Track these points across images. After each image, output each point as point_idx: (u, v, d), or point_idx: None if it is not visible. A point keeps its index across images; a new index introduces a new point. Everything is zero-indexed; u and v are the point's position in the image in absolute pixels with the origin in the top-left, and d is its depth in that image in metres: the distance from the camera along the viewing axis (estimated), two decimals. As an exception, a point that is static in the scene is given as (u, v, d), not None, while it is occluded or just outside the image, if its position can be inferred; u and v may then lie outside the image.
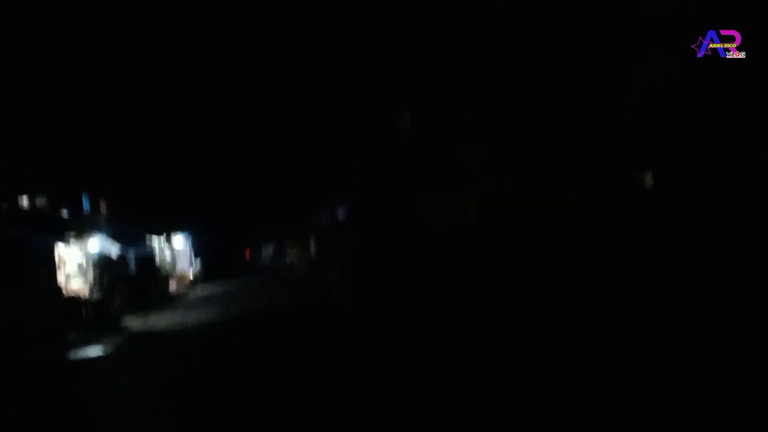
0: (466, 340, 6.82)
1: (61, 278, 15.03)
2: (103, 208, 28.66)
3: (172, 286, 29.25)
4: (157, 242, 29.50)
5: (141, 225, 27.53)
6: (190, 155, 35.72)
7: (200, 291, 28.63)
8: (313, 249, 30.98)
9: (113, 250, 17.20)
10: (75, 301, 15.03)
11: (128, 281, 20.30)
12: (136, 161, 30.78)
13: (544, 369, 5.52)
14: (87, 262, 16.77)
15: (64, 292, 14.72)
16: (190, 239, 34.46)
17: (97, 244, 16.72)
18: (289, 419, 6.07)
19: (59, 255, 15.21)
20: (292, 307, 15.92)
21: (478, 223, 7.91)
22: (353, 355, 8.70)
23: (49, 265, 13.90)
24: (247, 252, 56.36)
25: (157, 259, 29.42)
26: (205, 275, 32.41)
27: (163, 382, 8.69)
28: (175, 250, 33.26)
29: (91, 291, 16.13)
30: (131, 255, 25.11)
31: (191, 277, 31.61)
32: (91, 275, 16.60)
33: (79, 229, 16.58)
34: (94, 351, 12.18)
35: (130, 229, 25.33)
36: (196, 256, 33.95)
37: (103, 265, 16.74)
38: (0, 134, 20.92)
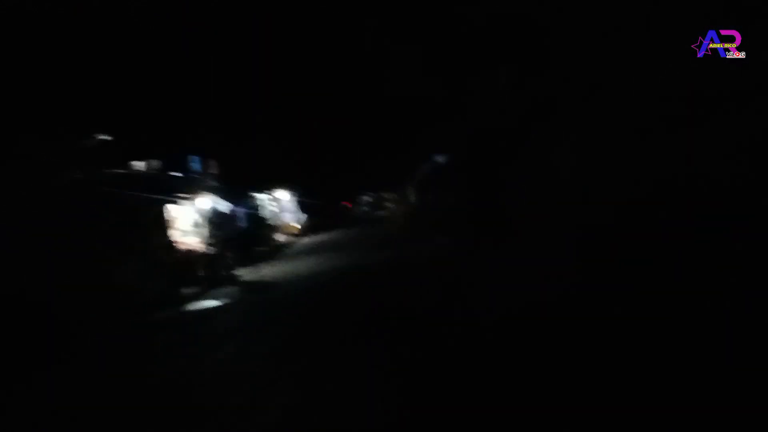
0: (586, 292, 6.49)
1: (175, 236, 16.01)
2: (213, 168, 30.23)
3: (280, 237, 30.51)
4: (264, 197, 30.69)
5: (248, 181, 28.73)
6: (292, 110, 36.68)
7: (306, 241, 29.65)
8: (413, 199, 31.10)
9: (223, 206, 18.08)
10: (191, 256, 16.00)
11: (238, 235, 21.35)
12: (240, 120, 31.96)
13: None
14: (200, 218, 17.74)
15: (179, 249, 15.68)
16: (295, 192, 35.64)
17: (207, 201, 17.62)
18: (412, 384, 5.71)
19: (173, 214, 16.18)
20: (396, 257, 16.11)
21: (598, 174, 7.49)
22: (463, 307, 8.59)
23: (164, 224, 14.82)
24: (348, 203, 57.61)
25: (265, 212, 30.72)
26: (309, 226, 33.47)
27: (277, 334, 9.08)
28: (281, 204, 34.57)
29: (205, 245, 17.08)
30: (240, 210, 26.39)
31: (297, 229, 32.74)
32: (203, 231, 17.58)
33: (191, 188, 17.50)
34: (211, 303, 12.99)
35: (238, 186, 26.48)
36: (300, 208, 35.10)
37: (214, 220, 17.67)
38: (114, 105, 22.33)
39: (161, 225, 14.75)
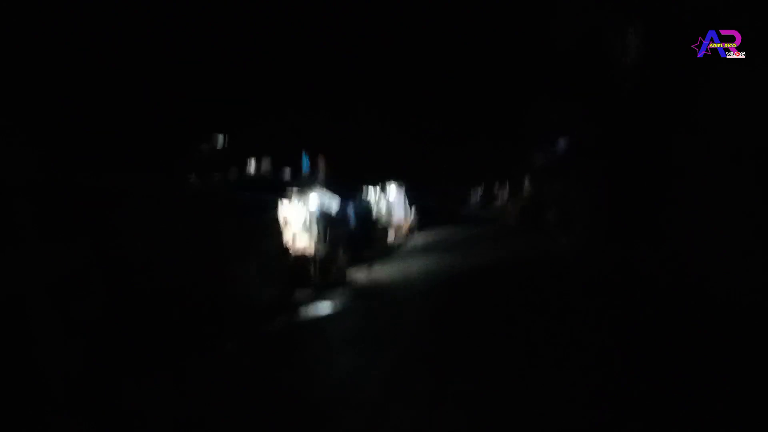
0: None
1: (288, 238, 15.72)
2: (322, 166, 30.15)
3: (390, 236, 29.92)
4: (373, 193, 30.23)
5: (357, 177, 28.35)
6: (397, 104, 36.05)
7: (416, 240, 28.91)
8: (526, 192, 29.51)
9: (333, 205, 17.64)
10: (303, 259, 15.63)
11: (349, 235, 20.91)
12: (347, 115, 31.70)
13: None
14: (310, 220, 17.39)
15: (291, 252, 15.35)
16: (404, 188, 34.92)
17: (317, 200, 17.24)
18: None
19: (285, 215, 15.91)
20: (514, 257, 14.98)
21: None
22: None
23: (277, 227, 14.53)
24: (458, 198, 56.42)
25: (374, 210, 30.22)
26: (420, 224, 32.67)
27: (397, 347, 8.29)
28: (390, 200, 33.95)
29: (316, 248, 16.70)
30: (350, 208, 26.05)
31: (407, 227, 32.05)
32: (314, 232, 17.23)
33: (301, 187, 17.19)
34: (324, 309, 12.47)
35: (347, 183, 26.13)
36: (409, 204, 34.35)
37: (325, 221, 17.25)
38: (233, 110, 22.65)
39: (275, 228, 14.44)
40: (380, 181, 31.56)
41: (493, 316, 9.06)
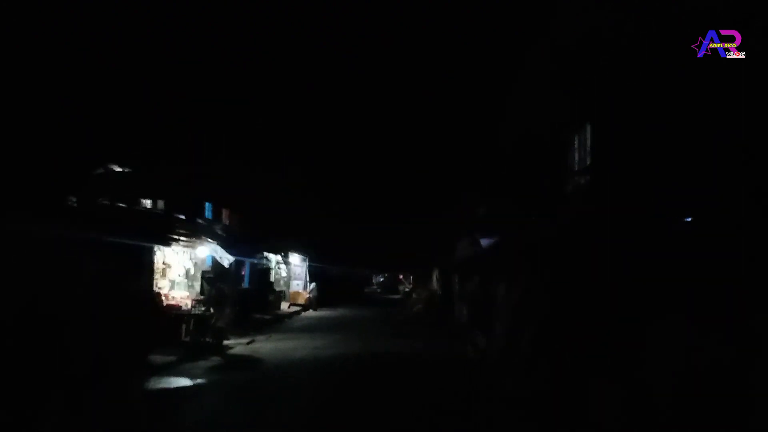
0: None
1: (162, 287, 13.22)
2: (226, 219, 27.75)
3: (284, 306, 27.54)
4: (274, 259, 27.95)
5: (261, 240, 25.99)
6: (316, 180, 34.64)
7: (313, 315, 26.61)
8: (435, 285, 28.19)
9: (226, 260, 15.38)
10: (174, 316, 13.12)
11: (238, 296, 18.41)
12: (267, 177, 29.68)
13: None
14: (195, 270, 15.00)
15: (163, 301, 12.84)
16: (307, 261, 32.87)
17: (207, 250, 14.87)
18: None
19: (164, 260, 13.46)
20: (412, 356, 13.20)
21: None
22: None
23: (147, 272, 11.89)
24: (363, 280, 54.68)
25: (272, 276, 27.91)
26: (319, 299, 30.48)
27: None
28: (292, 270, 31.77)
29: (196, 302, 14.21)
30: (246, 269, 23.61)
31: (304, 300, 29.77)
32: (197, 287, 14.80)
33: (193, 233, 14.83)
34: (180, 379, 10.01)
35: (249, 242, 23.79)
36: (311, 278, 32.21)
37: (212, 274, 14.87)
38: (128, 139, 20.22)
39: (146, 272, 11.88)
40: (285, 249, 29.39)
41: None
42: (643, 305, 5.84)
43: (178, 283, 15.27)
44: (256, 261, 24.22)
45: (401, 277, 53.70)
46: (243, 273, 22.39)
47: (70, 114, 16.73)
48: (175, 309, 13.47)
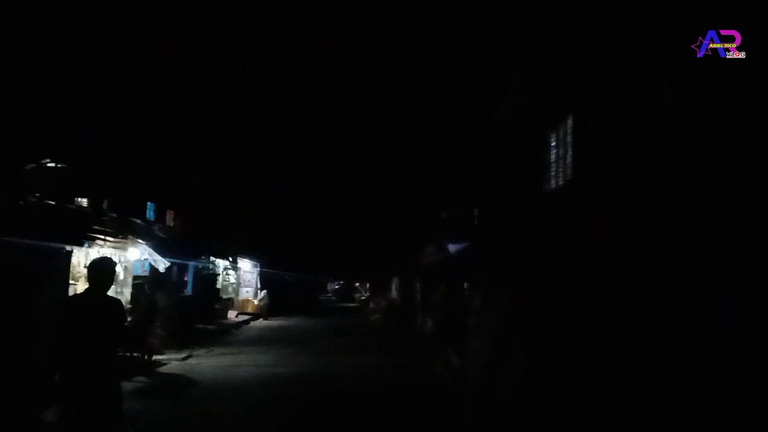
0: None
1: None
2: (170, 220, 25.62)
3: (232, 314, 25.53)
4: (222, 265, 25.92)
5: (208, 243, 23.95)
6: (267, 182, 32.73)
7: (263, 326, 24.70)
8: (395, 294, 26.63)
9: (162, 264, 13.49)
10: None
11: (179, 304, 16.44)
12: (215, 180, 27.66)
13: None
14: (126, 276, 13.06)
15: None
16: (258, 267, 30.86)
17: (138, 253, 12.92)
18: None
19: (86, 265, 11.47)
20: (373, 378, 11.54)
21: None
22: None
23: (56, 281, 9.70)
24: (318, 288, 52.74)
25: (220, 282, 25.87)
26: (270, 307, 28.56)
27: None
28: (241, 276, 29.73)
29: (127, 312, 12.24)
30: (189, 274, 21.55)
31: (254, 308, 27.81)
32: (128, 293, 12.88)
33: (120, 233, 12.89)
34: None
35: (193, 246, 21.77)
36: (262, 285, 30.22)
37: (141, 281, 12.94)
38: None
39: (55, 280, 9.79)
40: (234, 254, 27.38)
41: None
42: (692, 322, 4.39)
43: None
44: (200, 266, 22.17)
45: (358, 284, 51.97)
46: (186, 279, 20.36)
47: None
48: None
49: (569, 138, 11.09)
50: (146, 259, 13.89)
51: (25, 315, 7.89)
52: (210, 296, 22.10)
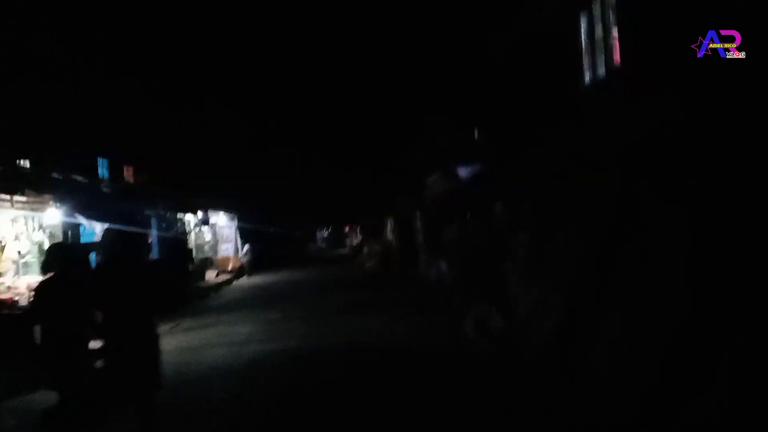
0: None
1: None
2: (129, 176, 22.48)
3: (211, 275, 22.73)
4: (193, 222, 22.91)
5: (174, 198, 20.83)
6: (239, 120, 29.15)
7: (244, 284, 21.97)
8: (391, 237, 23.81)
9: (96, 227, 10.53)
10: (6, 312, 8.25)
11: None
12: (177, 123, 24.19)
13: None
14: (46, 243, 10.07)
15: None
16: (236, 220, 27.79)
17: (59, 215, 9.85)
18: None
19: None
20: (383, 354, 8.59)
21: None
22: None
23: None
24: (305, 238, 49.87)
25: (193, 242, 22.93)
26: (253, 263, 25.79)
27: None
28: (219, 232, 26.74)
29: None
30: (153, 235, 18.51)
31: (236, 266, 25.03)
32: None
33: (42, 192, 9.81)
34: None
35: (150, 203, 18.57)
36: (243, 240, 27.28)
37: (72, 248, 9.94)
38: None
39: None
40: (207, 207, 24.28)
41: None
42: None
43: (27, 264, 10.33)
44: (164, 225, 19.19)
45: (348, 229, 49.10)
46: (147, 242, 17.35)
47: None
48: (8, 305, 8.58)
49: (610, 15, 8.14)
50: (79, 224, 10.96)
51: None
52: (181, 259, 19.14)
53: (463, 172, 11.76)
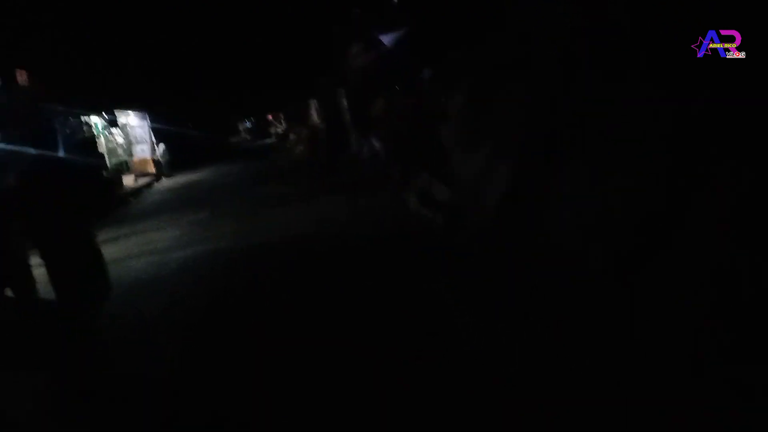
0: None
1: None
2: (24, 81, 20.14)
3: (129, 180, 21.36)
4: (100, 124, 21.11)
5: (79, 101, 18.88)
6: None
7: (165, 186, 20.81)
8: (317, 119, 22.80)
9: None
10: None
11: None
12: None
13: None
14: None
15: None
16: (147, 119, 25.83)
17: None
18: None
19: None
20: (332, 237, 8.08)
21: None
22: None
23: None
24: (226, 131, 47.71)
25: (103, 146, 21.29)
26: (171, 163, 24.41)
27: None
28: (131, 133, 24.88)
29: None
30: (59, 142, 16.89)
31: (152, 167, 23.63)
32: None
33: None
34: None
35: (61, 105, 16.77)
36: (158, 139, 25.58)
37: None
38: None
39: None
40: (111, 107, 22.33)
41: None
42: None
43: None
44: (69, 132, 17.55)
45: (271, 117, 47.20)
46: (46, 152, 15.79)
47: None
48: None
49: None
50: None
51: None
52: (90, 164, 17.69)
53: (385, 39, 10.83)
